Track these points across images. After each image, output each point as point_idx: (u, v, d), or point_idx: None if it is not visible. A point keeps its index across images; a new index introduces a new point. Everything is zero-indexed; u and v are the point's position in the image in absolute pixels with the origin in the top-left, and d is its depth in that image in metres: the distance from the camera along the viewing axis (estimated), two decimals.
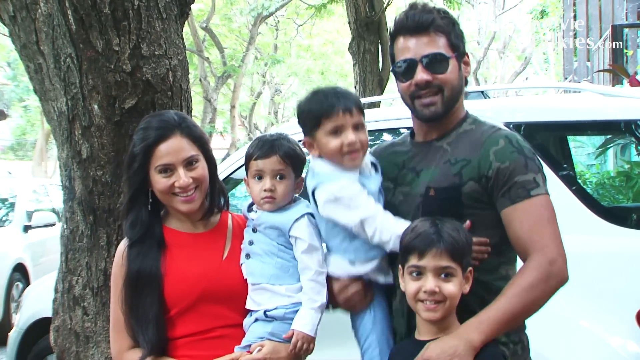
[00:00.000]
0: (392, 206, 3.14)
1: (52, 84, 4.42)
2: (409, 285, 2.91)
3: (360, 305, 3.14)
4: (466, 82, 3.23)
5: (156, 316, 3.13)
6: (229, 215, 3.38)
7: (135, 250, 3.18)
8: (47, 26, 4.07)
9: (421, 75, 3.09)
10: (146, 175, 3.17)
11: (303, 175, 3.31)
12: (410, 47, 3.12)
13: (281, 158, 3.17)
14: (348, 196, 3.05)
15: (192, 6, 4.43)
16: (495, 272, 3.07)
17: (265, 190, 3.17)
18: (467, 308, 2.95)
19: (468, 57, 3.21)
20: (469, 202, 3.01)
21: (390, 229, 3.02)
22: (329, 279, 3.17)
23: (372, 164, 3.25)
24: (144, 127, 3.20)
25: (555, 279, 2.90)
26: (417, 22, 3.10)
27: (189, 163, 3.17)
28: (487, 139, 3.05)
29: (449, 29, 3.12)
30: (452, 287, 2.86)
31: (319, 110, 3.15)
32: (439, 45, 3.09)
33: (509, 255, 3.10)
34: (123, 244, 3.26)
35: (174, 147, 3.15)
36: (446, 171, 3.05)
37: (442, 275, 2.86)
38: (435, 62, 3.08)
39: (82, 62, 3.82)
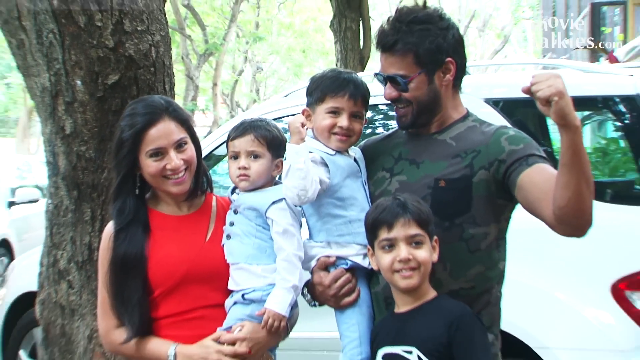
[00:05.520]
0: (387, 193, 3.16)
1: (34, 59, 4.39)
2: (382, 259, 2.95)
3: (348, 301, 3.14)
4: (458, 82, 3.21)
5: (140, 300, 3.14)
6: (213, 197, 3.39)
7: (122, 235, 3.18)
8: (28, 1, 4.05)
9: (388, 91, 3.16)
10: (135, 160, 3.16)
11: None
12: (381, 63, 3.17)
13: (255, 138, 3.19)
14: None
15: None
16: (495, 267, 3.10)
17: (239, 169, 3.19)
18: (470, 298, 3.02)
19: (452, 61, 3.13)
20: (477, 192, 3.02)
21: (292, 175, 3.05)
22: (319, 275, 3.19)
23: (355, 160, 3.27)
24: (130, 113, 3.18)
25: (590, 211, 2.77)
26: (382, 43, 3.13)
27: (179, 145, 3.18)
28: (496, 131, 3.07)
29: (418, 44, 3.08)
30: (424, 253, 2.90)
31: (328, 87, 3.19)
32: (403, 64, 3.10)
33: (504, 250, 3.14)
34: (110, 228, 3.25)
35: (164, 131, 3.15)
36: (457, 164, 3.06)
37: (413, 244, 2.90)
38: (397, 83, 3.11)
39: (64, 37, 3.81)
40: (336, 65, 13.77)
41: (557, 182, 2.72)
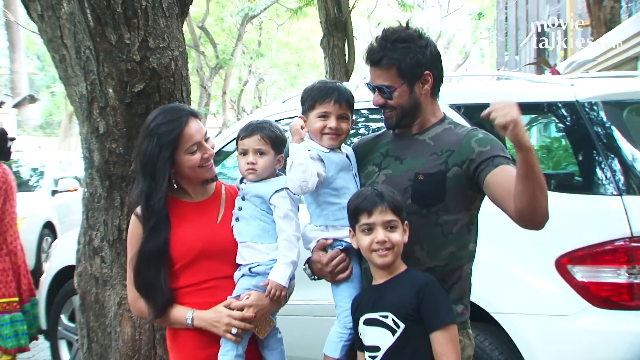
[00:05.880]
0: (376, 184, 3.16)
1: (74, 71, 4.38)
2: (362, 240, 2.95)
3: (342, 277, 3.15)
4: (436, 90, 3.19)
5: (162, 286, 3.13)
6: (223, 186, 3.37)
7: (147, 228, 3.14)
8: (69, 23, 4.02)
9: (376, 99, 3.17)
10: (172, 160, 3.13)
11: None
12: (370, 75, 3.18)
13: (261, 137, 3.19)
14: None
15: (190, 8, 4.41)
16: (466, 248, 3.09)
17: (248, 164, 3.20)
18: (444, 275, 3.03)
19: (430, 73, 3.11)
20: (450, 185, 3.01)
21: (294, 169, 3.06)
22: (318, 254, 3.19)
23: (347, 155, 3.27)
24: (164, 121, 3.11)
25: (545, 211, 2.78)
26: (371, 58, 3.14)
27: (206, 139, 3.19)
28: (467, 133, 3.07)
29: (400, 59, 3.07)
30: (397, 236, 2.91)
31: (316, 95, 3.21)
32: (387, 76, 3.10)
33: (475, 233, 3.13)
34: (138, 212, 3.21)
35: (196, 128, 3.15)
36: (433, 161, 3.06)
37: (388, 228, 2.91)
38: (383, 92, 3.12)
39: (98, 53, 3.78)
40: (325, 76, 13.84)
41: (515, 188, 2.73)
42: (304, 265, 3.26)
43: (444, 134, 3.13)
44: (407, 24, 3.21)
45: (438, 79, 3.18)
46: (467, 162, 2.99)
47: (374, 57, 3.11)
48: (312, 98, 3.22)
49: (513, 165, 2.89)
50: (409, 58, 3.08)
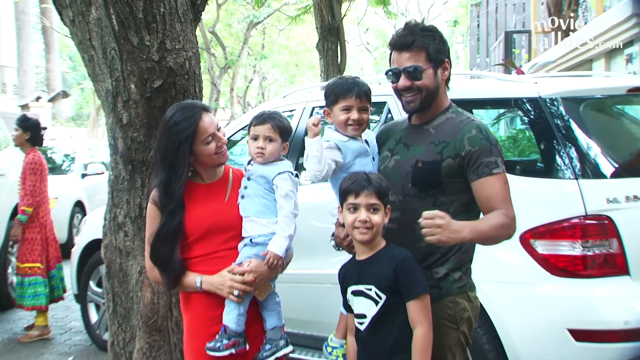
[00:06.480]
0: (387, 169, 3.15)
1: (101, 70, 4.37)
2: (347, 217, 2.94)
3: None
4: (448, 80, 3.17)
5: (175, 262, 3.13)
6: (230, 169, 3.36)
7: (165, 213, 3.13)
8: (97, 27, 4.01)
9: (403, 82, 3.07)
10: (191, 152, 3.12)
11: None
12: (397, 60, 3.09)
13: (272, 126, 3.19)
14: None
15: (202, 14, 4.39)
16: None
17: (257, 148, 3.19)
18: (443, 248, 2.99)
19: (448, 61, 3.13)
20: (445, 173, 2.97)
21: (310, 161, 3.06)
22: (338, 230, 3.18)
23: (366, 141, 3.23)
24: (182, 119, 3.10)
25: (512, 230, 2.92)
26: (402, 42, 3.06)
27: (218, 129, 3.18)
28: (463, 127, 3.01)
29: (429, 44, 3.04)
30: (378, 218, 2.90)
31: (339, 91, 3.17)
32: (418, 59, 3.04)
33: (475, 212, 3.05)
34: (154, 203, 3.20)
35: (210, 121, 3.14)
36: (431, 150, 3.02)
37: (371, 210, 2.90)
38: (413, 73, 3.04)
39: (122, 53, 3.76)
40: (320, 76, 13.80)
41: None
42: (331, 237, 3.26)
43: (445, 124, 3.09)
44: (423, 21, 3.18)
45: (450, 70, 3.17)
46: (458, 158, 2.96)
47: (407, 41, 3.05)
48: (335, 93, 3.18)
49: (497, 168, 2.93)
50: (435, 44, 3.06)
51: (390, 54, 3.17)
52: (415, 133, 3.15)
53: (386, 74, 3.19)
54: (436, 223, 2.72)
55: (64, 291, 7.64)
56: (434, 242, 2.73)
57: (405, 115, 3.33)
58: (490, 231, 2.86)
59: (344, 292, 3.06)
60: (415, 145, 3.09)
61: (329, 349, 3.26)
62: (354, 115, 3.14)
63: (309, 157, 3.04)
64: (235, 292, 3.07)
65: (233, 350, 3.07)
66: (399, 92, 3.13)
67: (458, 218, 2.90)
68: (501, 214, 2.88)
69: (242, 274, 3.08)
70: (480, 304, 3.73)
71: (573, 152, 4.12)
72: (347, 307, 3.06)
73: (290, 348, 3.26)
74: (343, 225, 3.10)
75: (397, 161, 3.13)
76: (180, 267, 3.14)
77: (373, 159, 3.23)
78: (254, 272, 3.09)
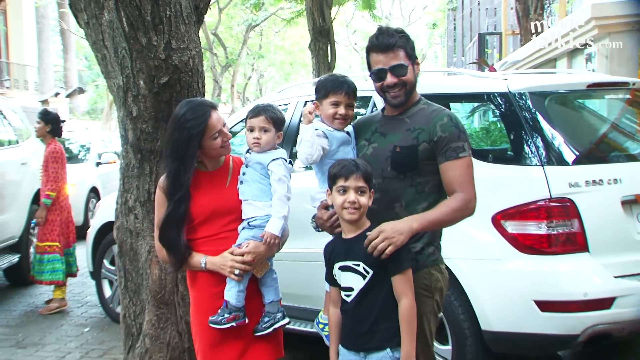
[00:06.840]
0: (365, 156, 3.14)
1: (112, 67, 4.35)
2: (337, 199, 2.94)
3: (339, 231, 3.08)
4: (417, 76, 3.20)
5: (181, 244, 3.12)
6: (230, 158, 3.34)
7: (173, 200, 3.12)
8: (109, 28, 3.99)
9: (390, 79, 3.07)
10: (200, 146, 3.11)
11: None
12: (382, 60, 3.08)
13: (266, 118, 3.18)
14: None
15: (205, 17, 4.36)
16: (437, 203, 3.02)
17: (254, 138, 3.19)
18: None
19: (417, 60, 3.17)
20: (422, 156, 3.00)
21: (303, 145, 3.08)
22: (321, 212, 3.16)
23: (348, 132, 3.23)
24: (193, 117, 3.08)
25: (469, 211, 2.97)
26: (386, 44, 3.06)
27: (224, 126, 3.17)
28: (435, 116, 3.04)
29: (406, 44, 3.08)
30: (365, 200, 2.90)
31: (330, 87, 3.17)
32: (400, 57, 3.06)
33: (445, 193, 3.07)
34: (163, 179, 3.19)
35: (218, 118, 3.12)
36: (408, 136, 3.04)
37: (359, 192, 2.90)
38: (399, 69, 3.06)
39: (132, 52, 3.73)
40: (312, 73, 13.80)
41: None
42: (311, 220, 3.25)
43: (418, 114, 3.11)
44: (398, 29, 3.19)
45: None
46: (432, 142, 2.99)
47: (390, 42, 3.06)
48: (326, 88, 3.18)
49: (463, 152, 2.96)
50: (410, 43, 3.10)
51: (369, 57, 3.16)
52: (391, 123, 3.16)
53: (370, 75, 3.18)
54: (381, 237, 2.80)
55: (77, 269, 7.73)
56: (393, 250, 2.78)
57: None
58: (441, 217, 2.92)
59: (330, 268, 3.05)
60: (392, 134, 3.10)
61: (321, 326, 3.27)
62: (342, 110, 3.14)
63: (302, 141, 3.06)
64: (236, 272, 3.07)
65: (234, 324, 3.08)
66: (383, 90, 3.13)
67: (432, 197, 3.00)
68: (455, 200, 2.94)
69: (242, 255, 3.08)
70: (456, 277, 3.74)
71: (539, 142, 4.13)
72: (332, 281, 3.06)
73: (287, 320, 3.25)
74: (326, 208, 3.11)
75: (375, 148, 3.14)
76: (186, 249, 3.14)
77: (353, 148, 3.23)
78: (252, 252, 3.08)
